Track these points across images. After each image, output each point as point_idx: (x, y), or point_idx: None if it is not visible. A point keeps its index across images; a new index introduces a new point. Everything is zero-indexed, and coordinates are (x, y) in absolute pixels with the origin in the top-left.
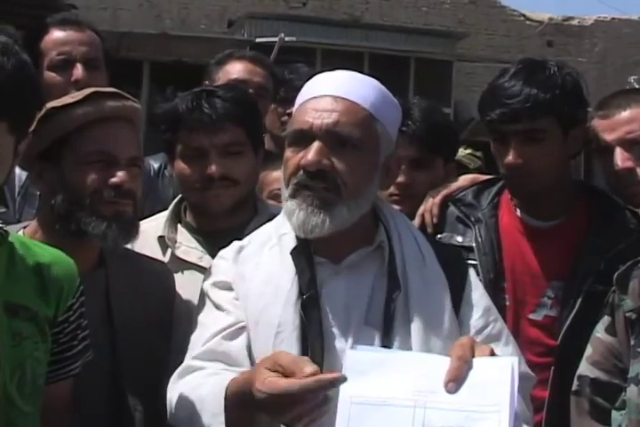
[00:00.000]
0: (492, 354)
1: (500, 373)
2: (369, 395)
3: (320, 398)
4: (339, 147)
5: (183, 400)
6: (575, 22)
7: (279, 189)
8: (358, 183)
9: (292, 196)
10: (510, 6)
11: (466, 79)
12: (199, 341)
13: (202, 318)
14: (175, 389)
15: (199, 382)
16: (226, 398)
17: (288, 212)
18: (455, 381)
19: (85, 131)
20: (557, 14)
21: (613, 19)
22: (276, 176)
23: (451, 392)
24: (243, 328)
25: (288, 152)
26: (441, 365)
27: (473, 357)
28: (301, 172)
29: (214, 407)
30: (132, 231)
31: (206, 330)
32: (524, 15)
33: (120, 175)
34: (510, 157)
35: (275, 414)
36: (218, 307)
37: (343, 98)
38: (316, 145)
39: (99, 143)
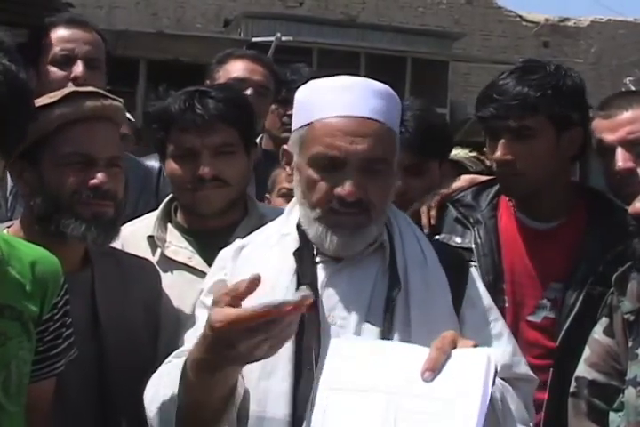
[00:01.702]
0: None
1: (475, 363)
2: (347, 382)
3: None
4: (371, 173)
5: (151, 385)
6: (571, 23)
7: (289, 190)
8: (385, 203)
9: (322, 219)
10: (506, 7)
11: (462, 79)
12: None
13: (197, 321)
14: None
15: (163, 368)
16: (184, 366)
17: (319, 235)
18: (432, 370)
19: (64, 131)
20: (553, 15)
21: (609, 20)
22: (285, 175)
23: (427, 381)
24: None
25: (313, 174)
26: (421, 355)
27: (454, 348)
28: (336, 201)
29: (172, 378)
30: (112, 232)
31: (193, 333)
32: (520, 16)
33: (99, 176)
34: (499, 153)
35: (231, 346)
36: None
37: (372, 119)
38: (354, 176)
39: (77, 144)
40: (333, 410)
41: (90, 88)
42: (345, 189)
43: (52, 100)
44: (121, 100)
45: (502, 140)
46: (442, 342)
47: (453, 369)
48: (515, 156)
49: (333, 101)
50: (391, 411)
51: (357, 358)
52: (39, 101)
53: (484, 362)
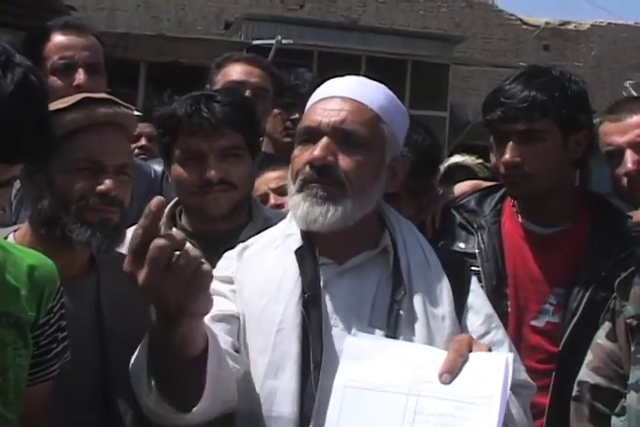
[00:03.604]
0: (489, 351)
1: (493, 367)
2: (364, 380)
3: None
4: (345, 144)
5: None
6: (571, 27)
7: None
8: (363, 181)
9: (299, 190)
10: (507, 10)
11: (462, 83)
12: None
13: None
14: None
15: None
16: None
17: (294, 205)
18: (450, 372)
19: (75, 137)
20: (554, 18)
21: (609, 23)
22: (261, 180)
23: (445, 383)
24: (233, 317)
25: (296, 150)
26: (438, 356)
27: (470, 351)
28: (308, 167)
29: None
30: (116, 239)
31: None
32: (520, 19)
33: (107, 183)
34: (507, 156)
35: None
36: (218, 293)
37: (351, 99)
38: (323, 141)
39: (87, 150)
40: (350, 407)
41: (102, 95)
42: (313, 153)
43: (64, 106)
44: (133, 107)
45: (510, 143)
46: (459, 344)
47: (472, 372)
48: (523, 158)
49: (325, 90)
50: (409, 411)
51: (373, 356)
52: (51, 106)
53: (502, 366)
